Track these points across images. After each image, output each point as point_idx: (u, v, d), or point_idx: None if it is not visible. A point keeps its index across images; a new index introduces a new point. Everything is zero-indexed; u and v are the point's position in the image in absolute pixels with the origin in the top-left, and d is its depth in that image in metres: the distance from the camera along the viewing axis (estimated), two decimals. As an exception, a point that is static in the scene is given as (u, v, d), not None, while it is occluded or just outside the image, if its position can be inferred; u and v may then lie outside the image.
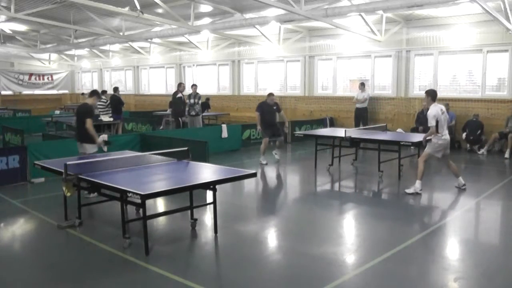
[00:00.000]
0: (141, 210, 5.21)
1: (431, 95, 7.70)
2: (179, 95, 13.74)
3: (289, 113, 16.72)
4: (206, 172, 6.03)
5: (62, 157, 6.72)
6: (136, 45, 20.40)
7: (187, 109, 13.63)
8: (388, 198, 8.07)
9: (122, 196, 4.91)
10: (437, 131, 7.57)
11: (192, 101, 13.64)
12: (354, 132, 9.70)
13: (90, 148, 7.35)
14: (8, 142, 11.65)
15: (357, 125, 13.94)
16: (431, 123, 7.53)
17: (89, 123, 7.17)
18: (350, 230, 6.11)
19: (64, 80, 28.16)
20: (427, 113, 7.77)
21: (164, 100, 19.61)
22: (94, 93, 7.85)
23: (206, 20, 15.21)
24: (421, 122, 12.84)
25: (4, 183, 8.04)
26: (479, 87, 12.78)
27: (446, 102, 12.79)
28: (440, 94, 13.28)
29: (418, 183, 7.69)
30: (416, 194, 7.65)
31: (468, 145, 12.27)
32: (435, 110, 7.58)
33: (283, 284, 4.38)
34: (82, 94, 23.70)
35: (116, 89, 14.95)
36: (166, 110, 17.42)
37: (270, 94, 10.87)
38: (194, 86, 14.20)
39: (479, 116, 12.13)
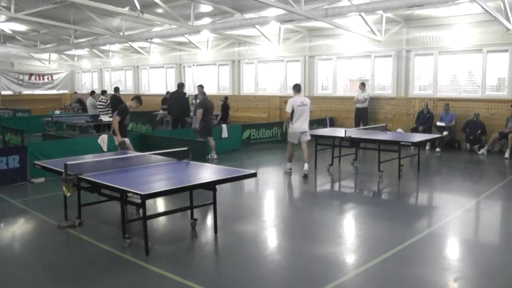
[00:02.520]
0: (141, 210, 5.22)
1: (294, 88, 9.19)
2: (187, 95, 13.85)
3: (289, 113, 16.77)
4: (206, 172, 6.03)
5: (62, 157, 6.72)
6: (136, 45, 20.40)
7: (192, 109, 13.68)
8: (388, 198, 8.07)
9: (122, 196, 4.91)
10: (291, 119, 8.96)
11: (197, 101, 13.70)
12: (354, 132, 9.70)
13: None
14: (8, 142, 11.65)
15: (357, 125, 13.94)
16: (287, 109, 8.99)
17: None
18: (350, 230, 6.11)
19: (64, 80, 28.15)
20: None
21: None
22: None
23: (206, 20, 15.21)
24: (421, 122, 12.86)
25: (4, 183, 8.04)
26: (479, 87, 12.77)
27: (447, 102, 12.84)
28: (440, 94, 13.48)
29: (288, 164, 9.47)
30: (287, 173, 9.34)
31: (468, 145, 12.27)
32: (293, 100, 8.98)
33: (283, 284, 4.39)
34: (75, 93, 23.85)
35: (117, 89, 14.95)
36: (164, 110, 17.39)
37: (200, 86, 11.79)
38: (201, 86, 14.26)
39: (479, 116, 12.12)
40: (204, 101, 11.26)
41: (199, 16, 14.35)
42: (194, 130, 11.27)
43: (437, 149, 12.35)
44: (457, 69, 13.31)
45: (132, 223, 5.40)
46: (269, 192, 8.36)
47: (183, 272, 4.50)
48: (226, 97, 16.88)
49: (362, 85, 14.35)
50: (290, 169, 9.42)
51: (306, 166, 9.07)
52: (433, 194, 8.22)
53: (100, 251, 5.07)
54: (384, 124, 11.56)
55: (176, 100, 13.21)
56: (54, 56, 25.83)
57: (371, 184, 8.83)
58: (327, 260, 4.85)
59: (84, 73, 28.01)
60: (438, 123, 12.66)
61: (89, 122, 13.63)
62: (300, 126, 8.98)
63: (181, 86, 13.67)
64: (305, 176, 8.97)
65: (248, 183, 8.39)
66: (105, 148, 9.53)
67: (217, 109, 18.64)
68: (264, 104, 17.79)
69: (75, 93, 21.83)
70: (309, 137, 9.25)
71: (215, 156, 11.15)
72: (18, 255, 5.17)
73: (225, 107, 16.40)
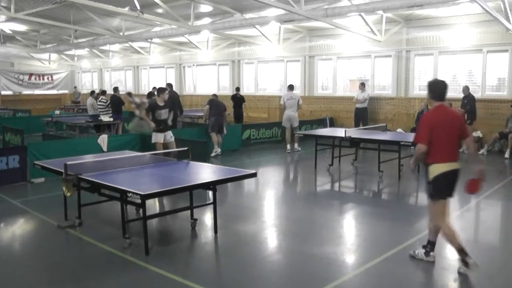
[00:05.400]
0: (141, 210, 5.22)
1: (288, 87, 12.85)
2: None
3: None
4: (206, 172, 6.03)
5: (62, 157, 6.72)
6: (136, 45, 20.40)
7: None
8: (388, 198, 8.07)
9: (122, 196, 4.91)
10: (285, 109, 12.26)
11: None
12: (354, 132, 9.70)
13: None
14: (8, 142, 11.64)
15: (357, 125, 13.94)
16: (280, 101, 12.53)
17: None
18: (350, 230, 6.11)
19: (64, 80, 28.15)
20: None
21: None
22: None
23: (206, 20, 15.21)
24: (421, 122, 12.83)
25: (4, 183, 8.04)
26: (479, 87, 12.77)
27: (449, 102, 12.81)
28: (440, 94, 13.46)
29: (287, 146, 12.31)
30: (287, 153, 12.07)
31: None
32: (284, 95, 12.56)
33: (283, 284, 4.39)
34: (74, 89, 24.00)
35: (116, 89, 14.94)
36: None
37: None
38: (169, 85, 14.59)
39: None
40: (213, 100, 12.03)
41: (199, 16, 14.35)
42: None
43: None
44: (457, 69, 13.31)
45: (132, 223, 5.40)
46: (269, 192, 8.36)
47: (183, 272, 4.50)
48: (237, 88, 16.69)
49: (362, 85, 14.34)
50: (289, 150, 12.23)
51: (296, 145, 12.42)
52: (433, 194, 8.21)
53: (100, 251, 5.07)
54: (384, 124, 11.56)
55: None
56: (54, 56, 25.84)
57: (371, 184, 8.83)
58: (327, 260, 4.85)
59: (84, 73, 28.02)
60: None
61: (89, 122, 13.63)
62: (288, 113, 12.17)
63: (171, 86, 13.81)
64: (296, 151, 12.26)
65: (248, 183, 8.39)
66: (105, 148, 9.54)
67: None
68: (264, 104, 17.79)
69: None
70: (297, 123, 12.35)
71: (219, 151, 11.52)
72: (18, 255, 5.17)
73: (236, 100, 15.79)
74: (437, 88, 4.80)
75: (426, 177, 4.54)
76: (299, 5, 10.88)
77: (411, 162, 4.78)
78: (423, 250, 4.68)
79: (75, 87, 26.64)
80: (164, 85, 12.82)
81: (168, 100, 8.68)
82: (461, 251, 4.38)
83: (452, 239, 4.44)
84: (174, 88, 19.41)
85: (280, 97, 17.36)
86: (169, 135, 8.67)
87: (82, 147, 8.88)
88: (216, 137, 11.56)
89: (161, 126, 8.60)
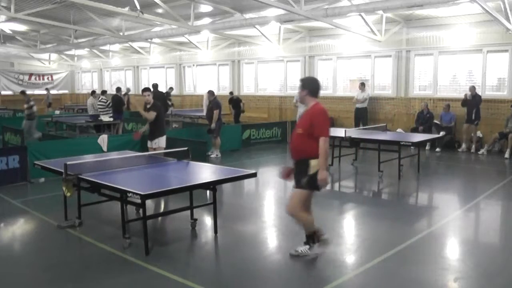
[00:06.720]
0: (141, 210, 5.22)
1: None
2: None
3: (289, 113, 16.75)
4: (206, 172, 6.03)
5: (62, 157, 6.72)
6: (136, 45, 20.41)
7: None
8: (388, 198, 8.07)
9: (122, 196, 4.91)
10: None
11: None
12: (354, 132, 9.70)
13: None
14: (8, 142, 11.64)
15: (357, 125, 13.94)
16: (293, 100, 13.51)
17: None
18: (350, 230, 6.11)
19: (64, 80, 28.16)
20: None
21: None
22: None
23: (206, 20, 15.21)
24: (421, 122, 12.86)
25: (4, 183, 8.03)
26: (479, 87, 12.74)
27: (448, 102, 12.83)
28: (440, 94, 13.51)
29: None
30: None
31: (466, 146, 12.25)
32: (296, 94, 13.07)
33: (283, 284, 4.39)
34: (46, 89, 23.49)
35: (118, 89, 14.95)
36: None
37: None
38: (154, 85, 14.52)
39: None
40: (218, 101, 11.66)
41: (199, 16, 14.35)
42: (209, 130, 11.38)
43: (437, 149, 12.36)
44: (457, 69, 13.31)
45: (132, 223, 5.40)
46: (269, 192, 8.36)
47: (183, 272, 4.50)
48: (231, 92, 17.20)
49: (362, 85, 14.34)
50: None
51: None
52: (433, 194, 8.22)
53: (100, 251, 5.07)
54: (384, 124, 11.56)
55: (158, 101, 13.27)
56: (54, 56, 25.84)
57: (371, 184, 8.83)
58: (327, 260, 4.85)
59: (84, 73, 28.02)
60: (435, 121, 12.72)
61: (89, 122, 13.63)
62: (300, 111, 11.44)
63: (156, 86, 13.80)
64: None
65: (248, 183, 8.39)
66: (105, 148, 9.54)
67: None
68: (264, 104, 17.80)
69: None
70: None
71: (219, 154, 11.42)
72: (18, 255, 5.17)
73: (234, 102, 16.31)
74: (313, 85, 4.94)
75: (304, 170, 4.58)
76: (299, 5, 10.88)
77: (322, 163, 4.50)
78: (307, 246, 4.84)
79: (46, 89, 23.99)
80: (164, 86, 12.95)
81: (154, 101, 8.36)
82: (316, 233, 4.81)
83: (311, 223, 4.81)
84: (173, 89, 19.51)
85: (280, 97, 17.66)
86: (153, 142, 8.16)
87: (82, 147, 8.86)
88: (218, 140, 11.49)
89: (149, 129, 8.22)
